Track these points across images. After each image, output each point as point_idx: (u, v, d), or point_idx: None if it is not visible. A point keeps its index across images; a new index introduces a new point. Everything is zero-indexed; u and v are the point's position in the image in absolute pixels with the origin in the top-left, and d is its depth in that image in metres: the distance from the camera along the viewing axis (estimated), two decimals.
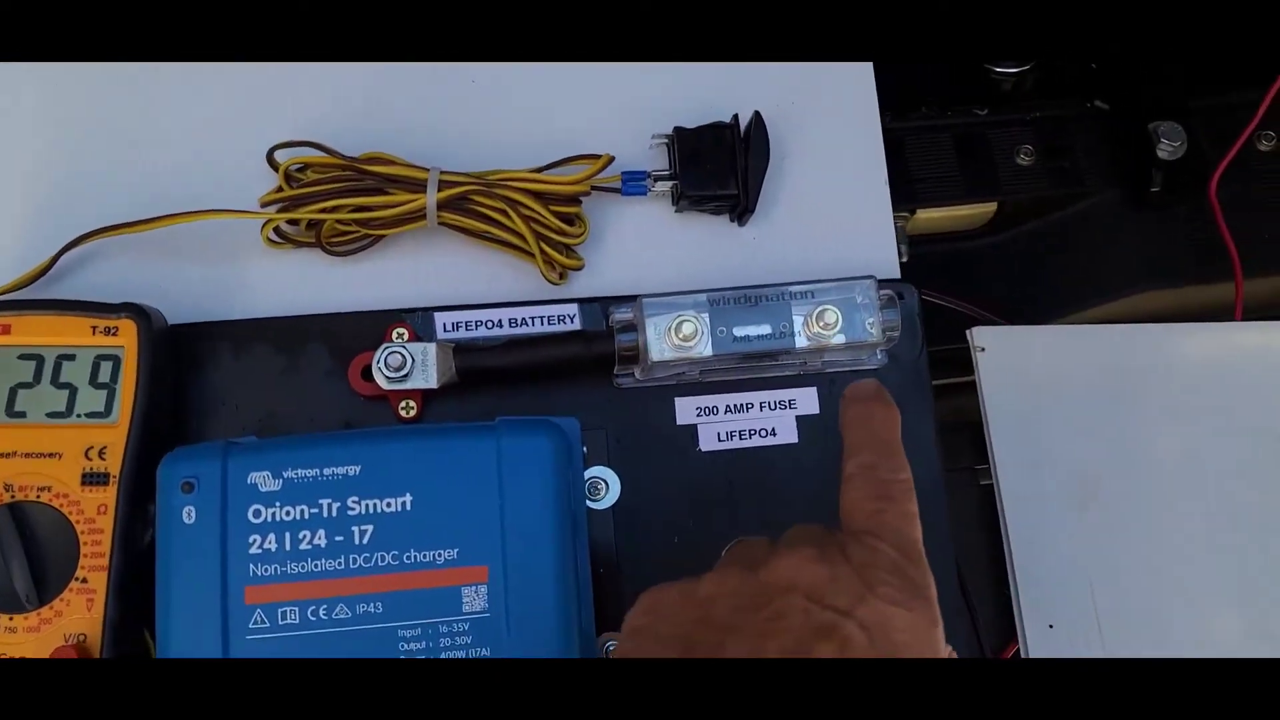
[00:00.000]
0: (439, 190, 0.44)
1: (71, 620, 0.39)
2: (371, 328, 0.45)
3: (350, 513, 0.38)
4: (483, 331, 0.46)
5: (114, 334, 0.42)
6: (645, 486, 0.45)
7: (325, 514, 0.38)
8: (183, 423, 0.44)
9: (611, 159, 0.47)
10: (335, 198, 0.45)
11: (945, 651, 0.30)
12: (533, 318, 0.47)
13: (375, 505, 0.38)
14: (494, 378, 0.44)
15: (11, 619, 0.39)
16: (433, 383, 0.44)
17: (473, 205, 0.45)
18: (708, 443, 0.46)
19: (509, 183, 0.45)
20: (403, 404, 0.44)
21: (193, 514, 0.38)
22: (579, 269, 0.47)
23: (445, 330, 0.46)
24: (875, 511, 0.32)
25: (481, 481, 0.39)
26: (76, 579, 0.40)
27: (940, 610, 0.31)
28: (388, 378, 0.43)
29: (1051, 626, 0.50)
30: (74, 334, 0.42)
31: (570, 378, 0.46)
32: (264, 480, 0.38)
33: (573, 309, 0.47)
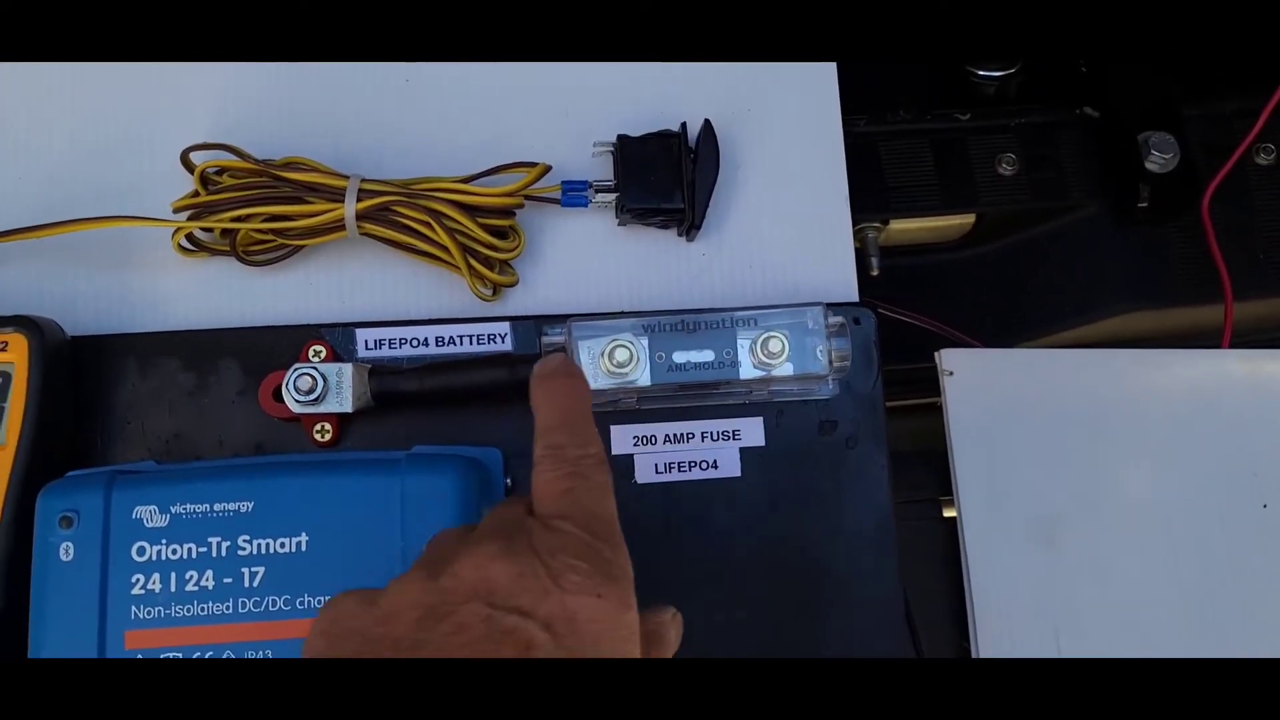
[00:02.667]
0: (359, 200, 0.42)
1: None
2: (288, 344, 0.43)
3: (241, 553, 0.36)
4: (407, 350, 0.44)
5: (3, 350, 0.39)
6: None
7: (214, 553, 0.35)
8: (82, 445, 0.41)
9: (549, 168, 0.44)
10: (249, 205, 0.42)
11: (638, 635, 0.30)
12: (461, 336, 0.44)
13: (268, 545, 0.36)
14: (412, 401, 0.41)
15: None
16: (347, 407, 0.41)
17: (395, 216, 0.42)
18: (644, 474, 0.43)
19: (435, 193, 0.42)
20: (317, 428, 0.42)
21: (70, 550, 0.35)
22: (512, 285, 0.44)
23: (367, 348, 0.43)
24: (565, 491, 0.31)
25: (383, 521, 0.36)
26: None
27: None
28: (298, 401, 0.41)
29: None
30: None
31: (497, 402, 0.43)
32: (150, 515, 0.36)
33: (504, 328, 0.44)
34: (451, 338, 0.44)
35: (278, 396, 0.41)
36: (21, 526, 0.38)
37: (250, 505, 0.36)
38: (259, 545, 0.36)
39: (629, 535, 0.42)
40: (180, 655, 0.35)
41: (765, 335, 0.41)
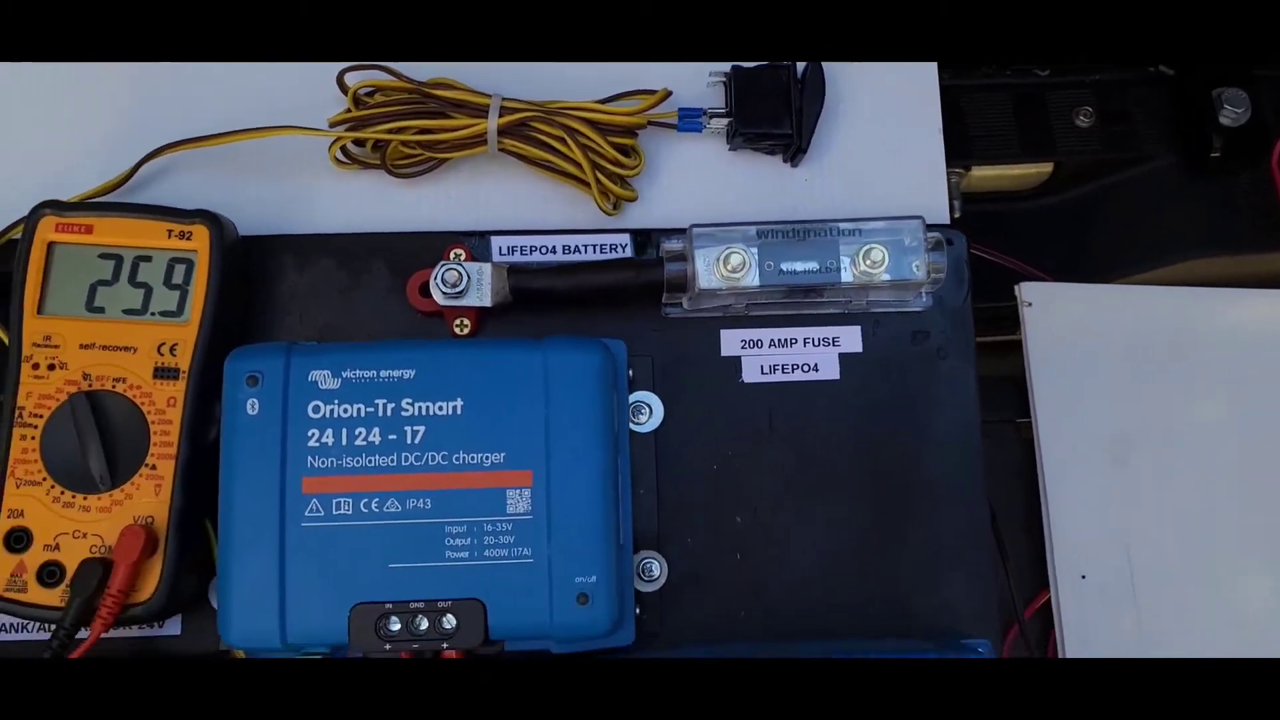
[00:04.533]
0: (500, 116, 0.46)
1: (140, 503, 0.42)
2: (430, 248, 0.47)
3: (404, 413, 0.40)
4: (537, 256, 0.48)
5: (188, 239, 0.44)
6: (687, 413, 0.46)
7: (380, 413, 0.40)
8: (250, 327, 0.46)
9: (669, 93, 0.48)
10: (401, 119, 0.46)
11: None
12: (585, 245, 0.48)
13: (428, 408, 0.40)
14: (545, 299, 0.45)
15: (85, 499, 0.41)
16: (487, 301, 0.45)
17: (532, 132, 0.46)
18: (751, 375, 0.47)
19: (569, 112, 0.46)
20: (457, 321, 0.46)
21: (256, 406, 0.40)
22: (633, 200, 0.48)
23: (501, 254, 0.48)
24: None
25: (529, 392, 0.40)
26: (146, 465, 0.42)
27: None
28: (444, 294, 0.45)
29: (1084, 577, 0.51)
30: (151, 237, 0.44)
31: (619, 305, 0.47)
32: (324, 379, 0.40)
33: (624, 239, 0.48)
34: (576, 247, 0.48)
35: (424, 291, 0.46)
36: (203, 387, 0.42)
37: (412, 374, 0.40)
38: (420, 408, 0.40)
39: (738, 432, 0.46)
40: (350, 501, 0.39)
41: (866, 246, 0.45)
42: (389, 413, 0.40)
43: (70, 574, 0.41)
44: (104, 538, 0.41)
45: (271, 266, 0.47)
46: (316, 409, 0.40)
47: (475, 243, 0.48)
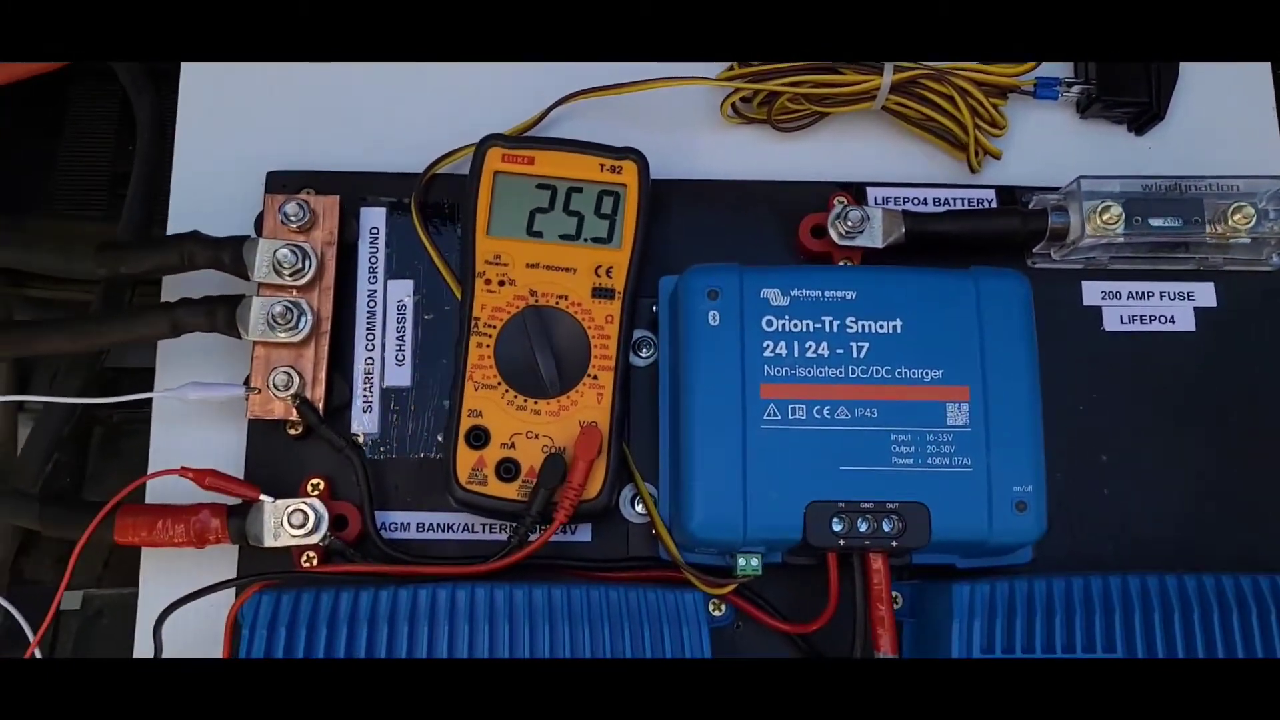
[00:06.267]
0: (894, 73, 0.50)
1: (584, 409, 0.45)
2: (812, 196, 0.51)
3: (849, 330, 0.43)
4: (909, 207, 0.51)
5: (618, 173, 0.48)
6: (1051, 359, 0.49)
7: (827, 329, 0.43)
8: (655, 256, 0.50)
9: (1036, 64, 0.51)
10: (797, 74, 0.50)
11: None
12: (954, 199, 0.51)
13: (870, 326, 0.43)
14: (939, 242, 0.49)
15: (536, 403, 0.45)
16: (878, 242, 0.49)
17: (921, 90, 0.50)
18: (1111, 323, 0.50)
19: (958, 72, 0.50)
20: (842, 261, 0.49)
21: (717, 318, 0.43)
22: (998, 159, 0.52)
23: (875, 203, 0.51)
24: None
25: (963, 315, 0.43)
26: (589, 375, 0.45)
27: None
28: (842, 234, 0.48)
29: None
30: (585, 170, 0.47)
31: (987, 254, 0.50)
32: (774, 296, 0.43)
33: (989, 194, 0.52)
34: (946, 200, 0.51)
35: (817, 233, 0.49)
36: (632, 311, 0.46)
37: (854, 294, 0.43)
38: (863, 325, 0.43)
39: (1100, 376, 0.49)
40: (804, 407, 0.42)
41: (1236, 204, 0.48)
42: (835, 329, 0.43)
43: (524, 470, 0.44)
44: (554, 439, 0.45)
45: (666, 208, 0.50)
46: (769, 323, 0.43)
47: (853, 191, 0.51)
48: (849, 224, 0.48)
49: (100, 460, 0.54)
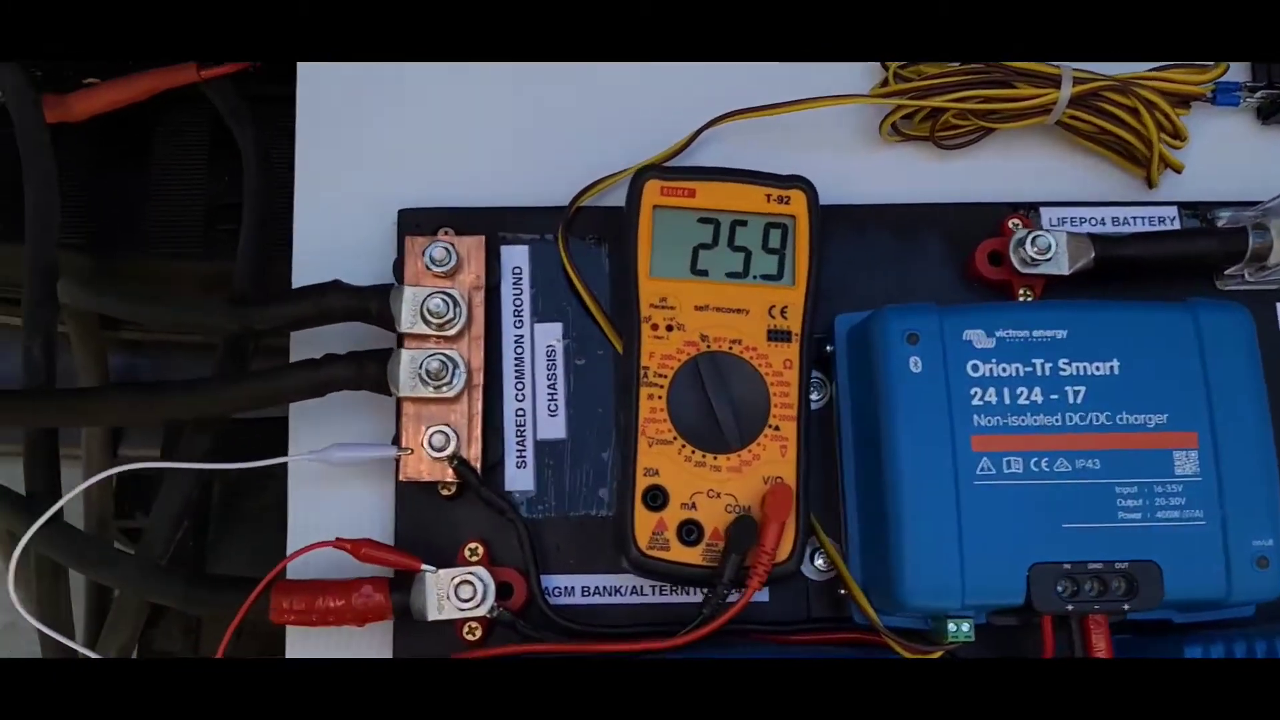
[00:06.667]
0: (1074, 85, 0.46)
1: (768, 464, 0.41)
2: (982, 218, 0.47)
3: (1063, 373, 0.40)
4: (1085, 228, 0.48)
5: (786, 203, 0.44)
6: None
7: (1039, 373, 0.40)
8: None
9: (1228, 67, 0.48)
10: (965, 89, 0.47)
11: None
12: (1134, 218, 0.48)
13: (1085, 368, 0.40)
14: (1133, 267, 0.45)
15: (716, 458, 0.41)
16: (1064, 269, 0.45)
17: (1102, 103, 0.46)
18: None
19: (1142, 82, 0.46)
20: (1022, 290, 0.46)
21: (919, 364, 0.39)
22: (1180, 172, 0.48)
23: (1051, 224, 0.48)
24: None
25: (1184, 352, 0.40)
26: (770, 426, 0.42)
27: None
28: (1026, 261, 0.45)
29: None
30: (750, 201, 0.44)
31: (1172, 277, 0.46)
32: (978, 338, 0.40)
33: (1172, 211, 0.48)
34: (1125, 219, 0.48)
35: (994, 260, 0.46)
36: (810, 353, 0.43)
37: (1064, 334, 0.40)
38: (1078, 368, 0.40)
39: None
40: (1020, 459, 0.39)
41: None
42: (1047, 372, 0.40)
43: (708, 533, 0.41)
44: (736, 497, 0.41)
45: (828, 235, 0.47)
46: (975, 368, 0.40)
47: (1026, 214, 0.47)
48: (1034, 250, 0.45)
49: (221, 524, 0.50)
